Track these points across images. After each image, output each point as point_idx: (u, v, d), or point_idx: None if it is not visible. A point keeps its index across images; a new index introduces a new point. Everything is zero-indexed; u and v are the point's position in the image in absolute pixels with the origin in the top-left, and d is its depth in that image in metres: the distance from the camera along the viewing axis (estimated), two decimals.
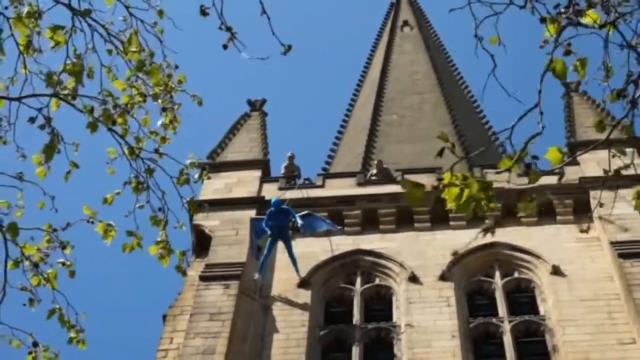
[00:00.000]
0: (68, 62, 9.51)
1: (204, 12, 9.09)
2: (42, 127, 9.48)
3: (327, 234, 20.32)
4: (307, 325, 18.31)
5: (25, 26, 9.23)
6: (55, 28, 9.43)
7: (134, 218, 9.97)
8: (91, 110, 9.62)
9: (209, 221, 20.68)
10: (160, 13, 9.81)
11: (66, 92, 9.59)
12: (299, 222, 19.61)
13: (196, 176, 10.01)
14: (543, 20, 7.36)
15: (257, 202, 21.62)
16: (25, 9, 9.27)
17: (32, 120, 9.48)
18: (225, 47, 9.11)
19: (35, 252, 9.88)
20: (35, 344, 10.02)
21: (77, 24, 9.41)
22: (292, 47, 9.18)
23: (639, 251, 18.21)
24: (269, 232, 19.67)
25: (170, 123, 10.12)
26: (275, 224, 19.67)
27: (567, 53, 7.08)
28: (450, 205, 6.08)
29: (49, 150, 9.46)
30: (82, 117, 9.66)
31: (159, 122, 10.09)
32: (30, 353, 10.03)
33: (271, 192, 22.10)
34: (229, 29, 9.11)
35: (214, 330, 17.35)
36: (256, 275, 19.30)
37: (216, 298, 18.24)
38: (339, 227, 20.34)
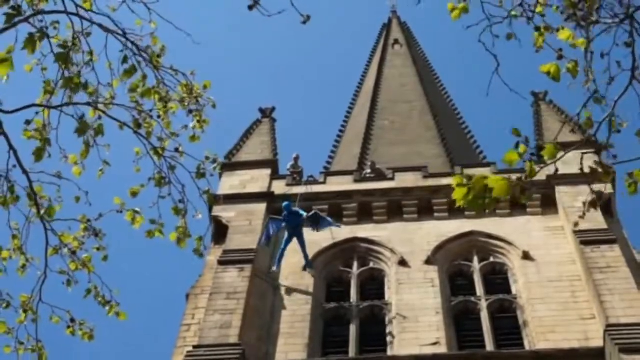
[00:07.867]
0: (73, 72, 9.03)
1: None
2: (79, 131, 9.10)
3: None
4: (310, 303, 18.18)
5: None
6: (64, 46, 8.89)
7: (157, 209, 9.80)
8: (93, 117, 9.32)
9: (226, 213, 20.50)
10: (155, 39, 9.37)
11: (102, 101, 9.33)
12: (309, 222, 19.50)
13: (212, 168, 9.81)
14: (537, 28, 7.25)
15: (267, 196, 21.41)
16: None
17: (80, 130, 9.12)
18: (250, 8, 8.28)
19: (72, 240, 9.73)
20: (72, 320, 9.93)
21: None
22: (311, 17, 8.49)
23: (598, 239, 18.02)
24: (285, 232, 19.51)
25: (199, 123, 9.91)
26: (289, 224, 19.51)
27: (560, 57, 7.01)
28: (460, 203, 5.96)
29: (84, 152, 9.29)
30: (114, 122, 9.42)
31: (191, 124, 9.86)
32: (68, 327, 9.96)
33: (280, 188, 21.95)
34: None
35: (230, 308, 17.15)
36: (274, 268, 19.12)
37: (232, 279, 18.03)
38: (339, 225, 19.86)
